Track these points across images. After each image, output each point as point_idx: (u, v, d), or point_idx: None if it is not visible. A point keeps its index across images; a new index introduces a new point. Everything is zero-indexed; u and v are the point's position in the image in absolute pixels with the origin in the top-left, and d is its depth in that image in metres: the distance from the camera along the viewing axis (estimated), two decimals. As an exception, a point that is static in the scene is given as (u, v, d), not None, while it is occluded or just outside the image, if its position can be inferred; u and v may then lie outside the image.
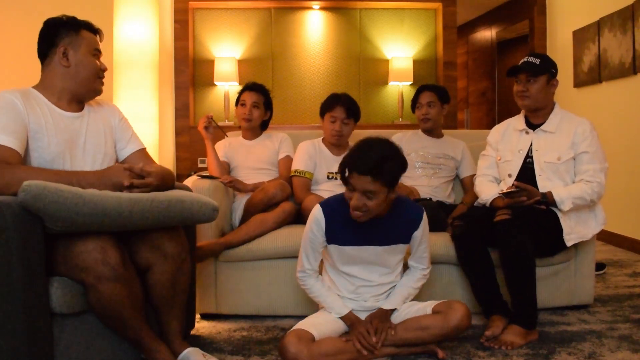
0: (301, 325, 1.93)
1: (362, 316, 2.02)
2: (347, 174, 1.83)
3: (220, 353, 2.06)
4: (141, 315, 1.69)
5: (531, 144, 2.47)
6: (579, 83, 4.50)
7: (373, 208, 1.83)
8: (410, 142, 2.99)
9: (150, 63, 3.68)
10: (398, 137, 3.02)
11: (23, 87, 1.80)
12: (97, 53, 1.87)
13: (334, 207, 1.95)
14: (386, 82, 5.26)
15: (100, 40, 1.92)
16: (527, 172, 2.44)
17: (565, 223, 2.32)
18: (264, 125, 2.99)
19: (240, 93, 2.94)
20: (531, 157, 2.45)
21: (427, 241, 2.07)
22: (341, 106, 2.72)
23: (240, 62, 5.12)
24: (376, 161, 1.78)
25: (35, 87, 1.82)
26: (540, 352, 2.04)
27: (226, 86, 5.01)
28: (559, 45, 4.87)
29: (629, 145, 3.86)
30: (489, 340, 2.11)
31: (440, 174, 2.92)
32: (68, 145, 1.79)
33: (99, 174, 1.72)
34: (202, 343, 2.17)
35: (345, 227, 1.92)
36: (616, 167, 3.98)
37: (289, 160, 2.86)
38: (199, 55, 5.12)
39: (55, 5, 3.87)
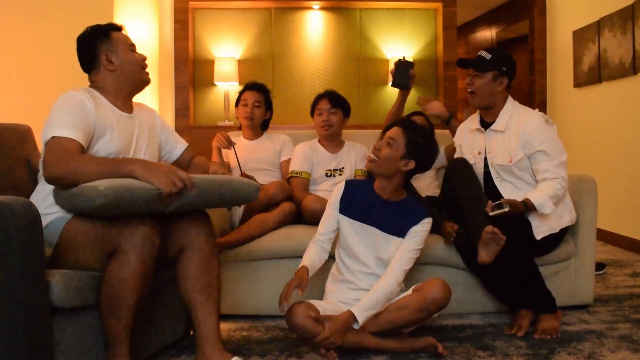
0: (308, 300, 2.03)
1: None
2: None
3: (220, 353, 2.06)
4: (133, 317, 1.66)
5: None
6: (579, 83, 4.50)
7: (385, 157, 2.03)
8: None
9: (150, 63, 3.64)
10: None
11: (80, 87, 1.87)
12: (132, 47, 1.96)
13: (355, 185, 2.18)
14: (386, 82, 5.25)
15: (127, 33, 2.01)
16: (486, 175, 2.40)
17: (533, 217, 2.27)
18: (264, 125, 3.00)
19: (241, 93, 2.96)
20: (487, 159, 2.39)
21: (418, 246, 2.07)
22: (324, 98, 2.84)
23: (240, 62, 5.12)
24: (416, 128, 2.09)
25: (93, 87, 1.90)
26: (540, 352, 2.04)
27: (226, 86, 5.01)
28: (559, 45, 4.87)
29: (629, 145, 3.86)
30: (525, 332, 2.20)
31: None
32: (125, 144, 1.87)
33: (151, 166, 1.68)
34: (202, 343, 2.17)
35: (358, 204, 2.11)
36: (616, 167, 3.98)
37: (289, 163, 2.87)
38: (199, 55, 5.12)
39: (56, 5, 3.88)
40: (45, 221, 1.72)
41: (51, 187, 1.74)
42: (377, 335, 2.01)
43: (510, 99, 2.41)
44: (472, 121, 2.52)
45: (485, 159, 2.40)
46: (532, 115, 2.33)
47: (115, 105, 1.89)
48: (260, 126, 2.98)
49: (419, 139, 2.05)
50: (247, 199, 1.90)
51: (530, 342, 2.14)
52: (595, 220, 2.54)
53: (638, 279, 3.08)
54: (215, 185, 1.77)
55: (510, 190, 2.33)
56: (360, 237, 2.09)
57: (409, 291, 2.05)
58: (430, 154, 2.10)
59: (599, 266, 3.15)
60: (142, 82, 1.98)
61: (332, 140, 2.86)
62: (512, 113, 2.37)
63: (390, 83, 2.09)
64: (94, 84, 1.92)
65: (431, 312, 1.99)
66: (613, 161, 4.04)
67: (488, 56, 2.34)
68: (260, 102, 2.91)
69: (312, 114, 2.90)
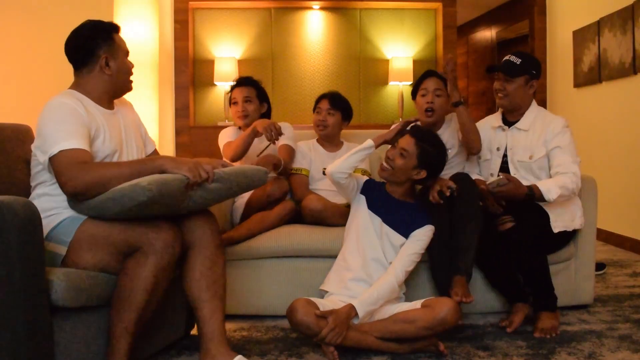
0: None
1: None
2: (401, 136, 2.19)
3: (220, 353, 2.06)
4: (137, 320, 1.66)
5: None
6: (579, 83, 4.50)
7: (398, 168, 2.13)
8: None
9: (150, 63, 3.68)
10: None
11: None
12: (127, 54, 1.93)
13: (373, 182, 2.30)
14: (386, 82, 5.26)
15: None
16: (505, 171, 2.44)
17: (551, 210, 2.31)
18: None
19: (231, 92, 2.82)
20: (507, 156, 2.45)
21: (420, 250, 2.13)
22: (325, 98, 2.82)
23: (240, 62, 5.12)
24: (429, 138, 2.16)
25: (76, 89, 1.85)
26: (540, 352, 2.04)
27: (226, 86, 5.00)
28: (559, 45, 4.87)
29: (629, 145, 3.86)
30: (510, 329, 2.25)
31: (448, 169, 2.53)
32: (118, 142, 1.87)
33: (178, 159, 1.74)
34: (202, 343, 2.17)
35: (372, 196, 2.22)
36: (616, 167, 3.98)
37: (287, 148, 2.73)
38: (199, 55, 5.12)
39: (56, 5, 3.88)
40: (55, 220, 1.73)
41: (53, 191, 1.75)
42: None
43: (534, 102, 2.50)
44: (494, 119, 2.57)
45: (505, 155, 2.45)
46: (558, 118, 2.44)
47: (99, 104, 1.86)
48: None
49: (431, 150, 2.13)
50: (260, 183, 1.97)
51: (530, 342, 2.14)
52: (595, 220, 2.54)
53: (638, 279, 3.08)
54: (232, 177, 1.82)
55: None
56: (370, 221, 2.17)
57: (418, 305, 2.03)
58: (442, 163, 2.20)
59: (599, 266, 3.15)
60: (127, 89, 1.96)
61: (330, 140, 2.86)
62: (537, 115, 2.45)
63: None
64: (77, 85, 1.86)
65: (437, 332, 1.98)
66: (613, 161, 4.04)
67: (518, 61, 2.39)
68: (251, 97, 2.76)
69: (314, 112, 2.88)
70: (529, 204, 2.29)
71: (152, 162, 1.71)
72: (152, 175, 1.62)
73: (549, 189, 2.23)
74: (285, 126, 2.80)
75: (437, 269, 2.27)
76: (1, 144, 2.00)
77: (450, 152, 2.55)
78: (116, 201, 1.59)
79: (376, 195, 2.22)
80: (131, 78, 1.97)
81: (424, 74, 2.66)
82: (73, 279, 1.58)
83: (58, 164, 1.65)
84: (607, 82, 4.11)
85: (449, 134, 2.62)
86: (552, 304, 2.29)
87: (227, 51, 5.12)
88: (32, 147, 1.79)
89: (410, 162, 2.12)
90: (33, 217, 1.47)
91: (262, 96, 2.83)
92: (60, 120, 1.71)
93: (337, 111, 2.80)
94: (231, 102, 2.81)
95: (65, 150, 1.65)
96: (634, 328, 2.27)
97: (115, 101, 1.97)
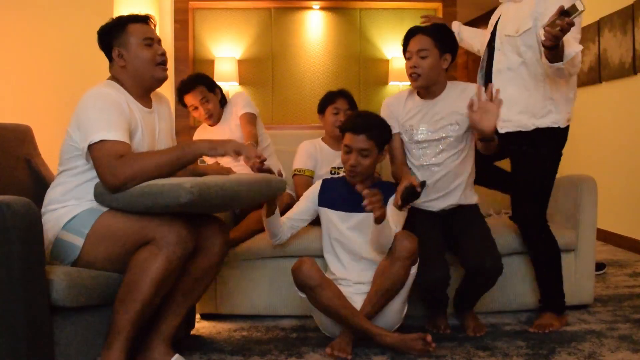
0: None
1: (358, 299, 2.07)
2: (343, 137, 2.16)
3: (220, 353, 2.07)
4: (141, 314, 1.65)
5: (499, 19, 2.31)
6: (579, 83, 4.48)
7: (366, 166, 2.13)
8: (407, 111, 2.35)
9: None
10: (389, 103, 2.46)
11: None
12: (148, 42, 1.85)
13: (331, 180, 2.32)
14: (386, 82, 5.26)
15: (154, 26, 1.94)
16: (490, 47, 2.33)
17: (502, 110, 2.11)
18: (223, 103, 2.85)
19: (181, 98, 2.75)
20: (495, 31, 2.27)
21: (401, 217, 2.14)
22: (344, 98, 2.77)
23: (240, 62, 5.12)
24: (371, 123, 2.14)
25: (113, 80, 1.86)
26: (540, 352, 2.04)
27: (226, 86, 5.00)
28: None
29: (629, 145, 3.86)
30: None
31: (446, 147, 2.28)
32: (151, 143, 1.87)
33: (215, 141, 1.76)
34: (202, 343, 2.17)
35: (338, 196, 2.22)
36: (616, 167, 3.98)
37: (248, 116, 2.70)
38: (199, 55, 5.12)
39: (56, 5, 3.88)
40: (74, 210, 1.73)
41: (79, 180, 1.76)
42: (374, 319, 2.04)
43: None
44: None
45: (495, 35, 2.29)
46: None
47: (137, 100, 1.85)
48: (220, 110, 2.82)
49: (378, 130, 2.15)
50: (279, 192, 2.04)
51: (530, 342, 2.14)
52: (595, 220, 2.54)
53: (638, 279, 3.08)
54: (263, 184, 1.88)
55: (502, 64, 2.23)
56: (347, 224, 2.18)
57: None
58: (388, 131, 2.23)
59: (599, 266, 3.15)
60: (155, 79, 1.87)
61: (338, 139, 2.84)
62: None
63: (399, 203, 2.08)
64: (113, 77, 1.87)
65: (406, 260, 1.98)
66: (613, 161, 4.04)
67: None
68: (205, 95, 2.72)
69: (322, 110, 2.82)
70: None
71: (189, 147, 1.72)
72: (195, 178, 1.63)
73: (572, 47, 1.94)
74: (237, 96, 2.83)
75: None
76: (1, 144, 2.00)
77: (450, 128, 2.25)
78: (154, 198, 1.59)
79: (336, 194, 2.22)
80: (162, 66, 1.88)
81: (407, 33, 2.35)
82: (73, 278, 1.58)
83: (98, 154, 1.65)
84: (607, 82, 4.11)
85: (442, 105, 2.31)
86: (559, 305, 2.31)
87: (227, 51, 5.12)
88: (69, 130, 1.76)
89: (374, 155, 2.15)
90: (33, 217, 1.47)
91: (212, 86, 2.77)
92: (103, 109, 1.70)
93: (352, 111, 2.80)
94: (189, 108, 2.77)
95: (106, 141, 1.65)
96: (634, 328, 2.28)
97: (154, 98, 1.95)
